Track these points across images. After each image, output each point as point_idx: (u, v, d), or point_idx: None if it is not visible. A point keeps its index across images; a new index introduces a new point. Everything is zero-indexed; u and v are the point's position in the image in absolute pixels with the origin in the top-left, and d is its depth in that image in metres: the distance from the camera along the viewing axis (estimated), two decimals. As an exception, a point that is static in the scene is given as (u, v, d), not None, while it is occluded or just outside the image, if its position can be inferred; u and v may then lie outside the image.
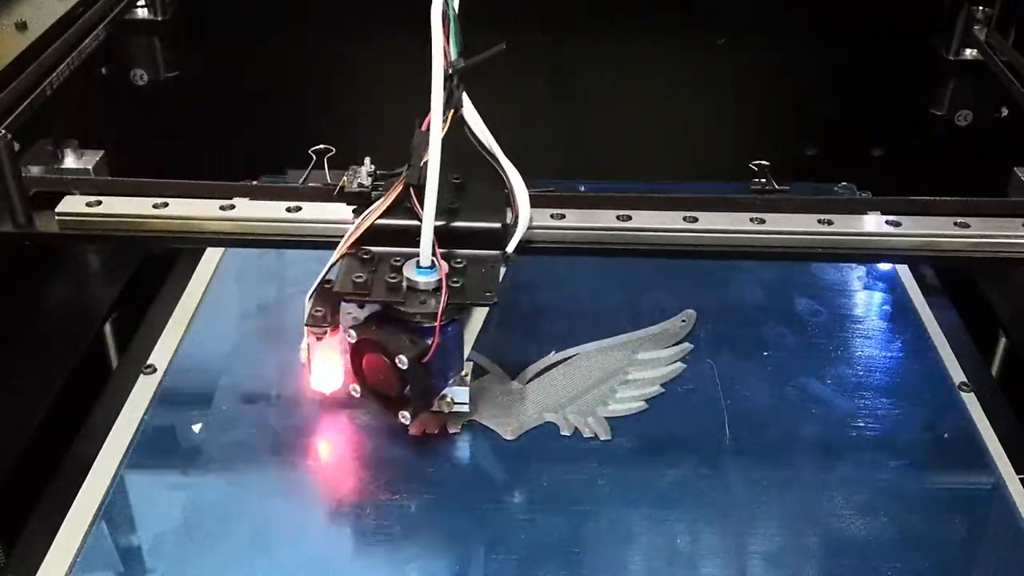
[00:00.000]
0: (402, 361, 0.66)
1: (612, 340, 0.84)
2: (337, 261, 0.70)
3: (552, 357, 0.82)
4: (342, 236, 0.71)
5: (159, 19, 1.16)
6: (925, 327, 0.87)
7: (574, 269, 0.93)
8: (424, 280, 0.67)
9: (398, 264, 0.69)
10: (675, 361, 0.82)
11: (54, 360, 0.85)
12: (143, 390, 0.78)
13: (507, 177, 0.70)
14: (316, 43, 1.17)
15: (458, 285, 0.68)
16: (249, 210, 0.76)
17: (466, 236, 0.70)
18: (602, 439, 0.75)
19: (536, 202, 0.72)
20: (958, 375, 0.82)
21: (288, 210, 0.75)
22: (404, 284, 0.68)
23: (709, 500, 0.71)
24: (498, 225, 0.71)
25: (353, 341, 0.69)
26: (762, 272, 0.92)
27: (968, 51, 1.17)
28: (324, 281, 0.70)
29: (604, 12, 1.19)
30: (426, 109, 0.66)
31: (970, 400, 0.79)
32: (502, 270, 0.71)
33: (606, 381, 0.80)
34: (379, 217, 0.70)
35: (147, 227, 0.77)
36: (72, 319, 0.90)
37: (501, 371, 0.81)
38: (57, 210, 0.78)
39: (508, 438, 0.75)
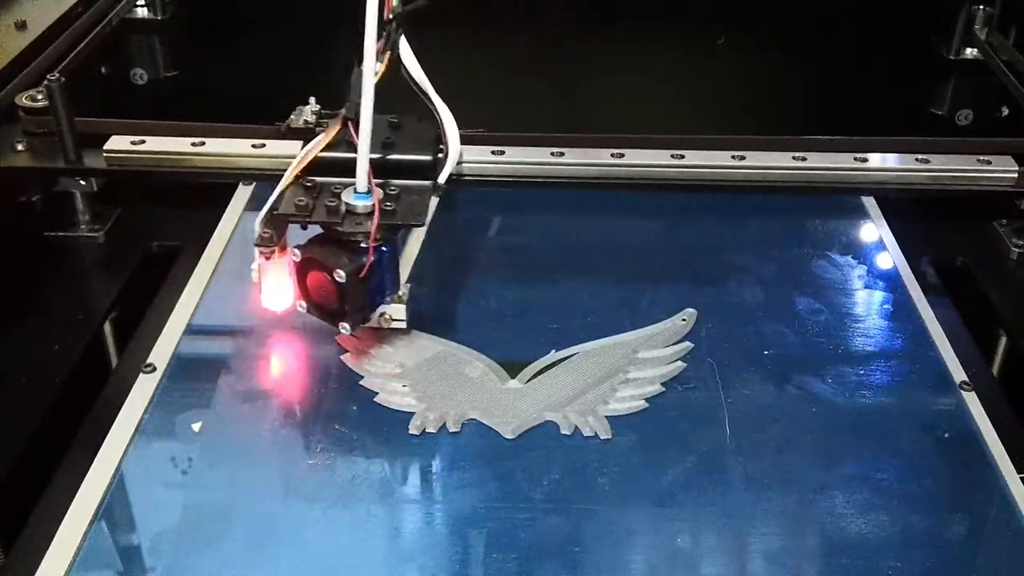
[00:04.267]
0: (340, 275, 0.73)
1: (612, 339, 0.84)
2: (285, 189, 0.77)
3: (552, 356, 0.82)
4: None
5: (159, 19, 1.16)
6: (925, 326, 0.87)
7: (575, 269, 0.93)
8: (361, 204, 0.74)
9: (338, 191, 0.75)
10: (675, 360, 0.82)
11: (54, 360, 0.85)
12: (143, 389, 0.78)
13: (438, 114, 0.79)
14: (316, 43, 1.17)
15: (391, 209, 0.75)
16: (278, 148, 0.88)
17: (400, 168, 0.79)
18: (602, 438, 0.75)
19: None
20: (959, 374, 0.82)
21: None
22: (343, 208, 0.75)
23: (709, 499, 0.71)
24: (428, 157, 0.79)
25: (297, 260, 0.76)
26: (763, 270, 0.92)
27: (969, 50, 1.17)
28: (272, 207, 0.77)
29: (604, 12, 1.19)
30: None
31: (971, 399, 0.79)
32: (433, 199, 0.79)
33: (606, 380, 0.80)
34: (322, 150, 0.77)
35: (186, 163, 0.89)
36: (72, 319, 0.90)
37: (501, 370, 0.81)
38: (105, 147, 0.88)
39: (508, 437, 0.75)
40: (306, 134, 0.80)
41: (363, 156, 0.74)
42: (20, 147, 0.93)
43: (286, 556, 0.66)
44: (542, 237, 0.99)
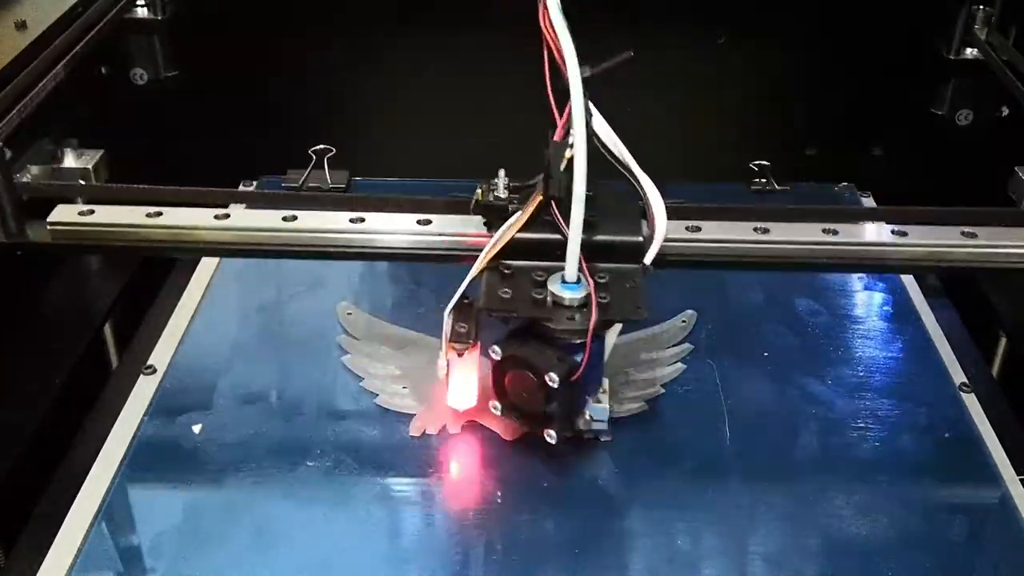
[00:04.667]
0: (552, 379, 0.65)
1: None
2: (478, 275, 0.69)
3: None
4: (336, 245, 0.71)
5: (159, 18, 1.16)
6: (926, 328, 0.87)
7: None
8: (571, 296, 0.66)
9: (540, 279, 0.68)
10: (675, 362, 0.82)
11: (54, 360, 0.85)
12: (143, 390, 0.78)
13: (642, 189, 0.69)
14: (316, 42, 1.17)
15: (606, 301, 0.67)
16: (244, 219, 0.75)
17: (605, 249, 0.69)
18: (602, 439, 0.75)
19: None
20: (959, 376, 0.82)
21: (284, 219, 0.74)
22: (549, 300, 0.66)
23: (709, 500, 0.71)
24: (639, 238, 0.69)
25: (498, 358, 0.68)
26: (762, 273, 0.92)
27: (969, 50, 1.17)
28: (463, 296, 0.70)
29: (603, 12, 1.19)
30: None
31: (971, 401, 0.79)
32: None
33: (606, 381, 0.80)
34: (519, 231, 0.68)
35: (140, 236, 0.76)
36: (72, 319, 0.90)
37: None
38: (49, 219, 0.77)
39: (508, 438, 0.75)
40: (499, 212, 0.70)
41: (574, 241, 0.65)
42: None
43: (286, 557, 0.66)
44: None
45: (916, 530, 0.69)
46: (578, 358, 0.65)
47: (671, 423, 0.77)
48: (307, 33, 1.18)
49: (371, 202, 0.77)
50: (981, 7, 1.14)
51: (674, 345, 0.84)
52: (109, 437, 0.74)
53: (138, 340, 0.87)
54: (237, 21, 1.17)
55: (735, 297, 0.90)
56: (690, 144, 1.19)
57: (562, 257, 0.66)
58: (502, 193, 0.70)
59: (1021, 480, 0.73)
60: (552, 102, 0.66)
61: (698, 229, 0.73)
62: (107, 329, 0.91)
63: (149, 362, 0.81)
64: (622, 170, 0.68)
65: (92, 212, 0.77)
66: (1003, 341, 0.92)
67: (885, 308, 0.89)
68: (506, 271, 0.68)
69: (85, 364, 0.86)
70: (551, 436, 0.68)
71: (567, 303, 0.66)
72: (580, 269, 0.66)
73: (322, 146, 1.04)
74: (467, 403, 0.74)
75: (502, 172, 0.71)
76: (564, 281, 0.67)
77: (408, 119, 1.17)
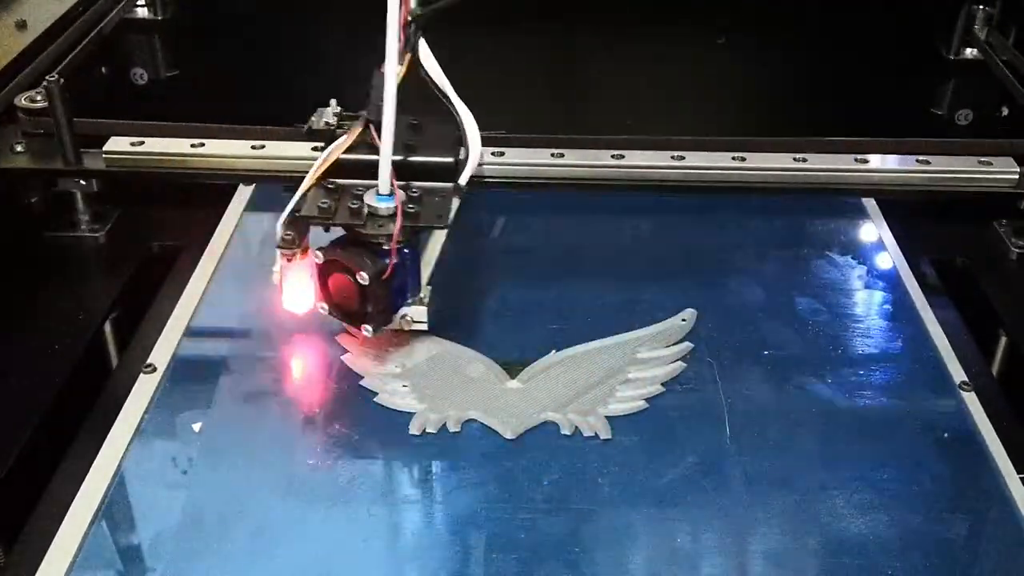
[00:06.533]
0: (363, 277, 0.73)
1: (612, 339, 0.84)
2: (306, 192, 0.76)
3: (552, 356, 0.82)
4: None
5: (159, 18, 1.16)
6: (925, 326, 0.87)
7: (575, 269, 0.93)
8: (383, 206, 0.74)
9: (360, 193, 0.76)
10: (676, 360, 0.82)
11: (54, 360, 0.85)
12: (143, 390, 0.78)
13: (459, 116, 0.78)
14: (317, 42, 1.17)
15: (414, 211, 0.75)
16: (277, 149, 0.89)
17: (422, 170, 0.78)
18: (602, 438, 0.75)
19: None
20: (958, 374, 0.82)
21: (313, 149, 0.87)
22: (365, 210, 0.74)
23: (709, 500, 0.71)
24: (451, 159, 0.79)
25: (320, 262, 0.75)
26: (763, 271, 0.92)
27: (968, 50, 1.17)
28: (294, 209, 0.76)
29: (603, 12, 1.19)
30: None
31: (970, 399, 0.79)
32: (455, 200, 0.78)
33: (606, 380, 0.80)
34: (343, 152, 0.77)
35: (185, 164, 0.89)
36: (72, 319, 0.90)
37: (501, 370, 0.81)
38: (104, 149, 0.89)
39: (508, 437, 0.75)
40: (327, 136, 0.79)
41: (385, 158, 0.73)
42: (19, 148, 0.93)
43: (286, 556, 0.66)
44: (543, 237, 0.99)
45: (915, 528, 0.69)
46: (387, 261, 0.73)
47: (671, 422, 0.77)
48: (307, 34, 1.18)
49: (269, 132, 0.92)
50: (981, 7, 1.15)
51: (674, 343, 0.84)
52: (109, 436, 0.74)
53: (138, 339, 0.87)
54: (237, 21, 1.17)
55: (735, 295, 0.90)
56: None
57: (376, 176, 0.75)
58: (331, 120, 0.81)
59: (1021, 478, 0.73)
60: (391, 39, 0.72)
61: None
62: (107, 328, 0.91)
63: (149, 361, 0.81)
64: (441, 98, 0.77)
65: (142, 143, 0.90)
66: (1003, 339, 0.92)
67: (885, 306, 0.89)
68: (330, 187, 0.77)
69: (85, 363, 0.86)
70: (367, 331, 0.76)
71: (380, 213, 0.74)
72: (391, 184, 0.74)
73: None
74: (303, 307, 0.80)
75: (333, 101, 0.81)
76: (378, 194, 0.74)
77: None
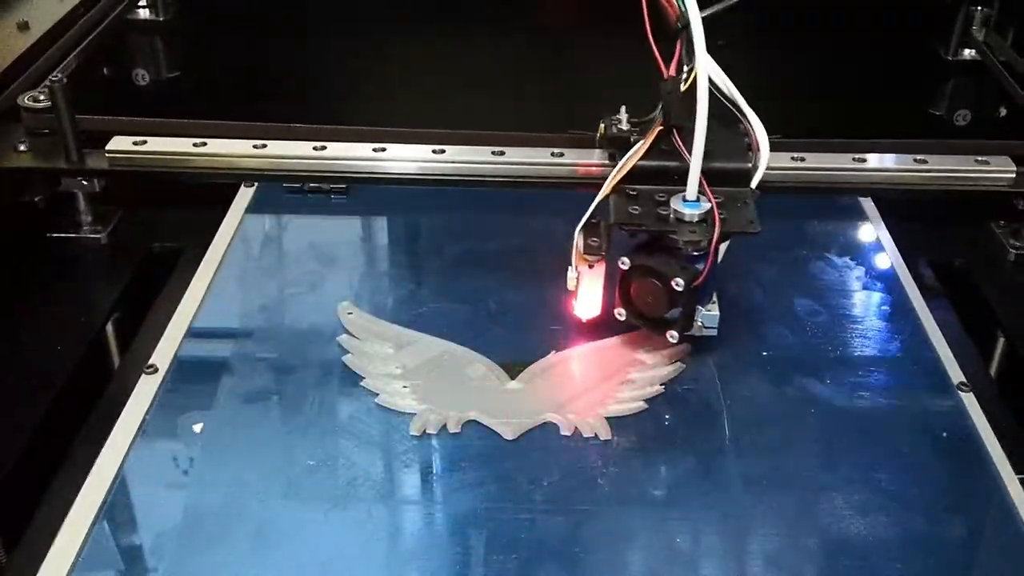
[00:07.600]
0: (678, 284, 0.74)
1: (612, 340, 0.84)
2: (605, 198, 0.78)
3: (552, 357, 0.82)
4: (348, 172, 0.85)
5: (160, 19, 1.17)
6: (923, 327, 0.87)
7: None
8: (692, 212, 0.75)
9: (662, 199, 0.77)
10: (675, 361, 0.82)
11: (56, 361, 0.85)
12: (144, 390, 0.78)
13: (748, 121, 0.78)
14: (317, 43, 1.17)
15: (723, 217, 0.75)
16: (279, 148, 0.89)
17: (719, 175, 0.78)
18: (602, 439, 0.75)
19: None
20: (957, 375, 0.82)
21: (314, 148, 0.89)
22: (672, 216, 0.76)
23: (709, 500, 0.71)
24: (749, 165, 0.79)
25: (626, 268, 0.76)
26: (762, 272, 0.93)
27: (967, 51, 1.17)
28: (592, 216, 0.78)
29: (603, 12, 1.19)
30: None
31: (969, 400, 0.79)
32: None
33: (606, 381, 0.80)
34: (641, 158, 0.78)
35: (188, 164, 0.89)
36: (74, 320, 0.90)
37: (501, 371, 0.81)
38: (107, 148, 0.89)
39: (508, 438, 0.75)
40: (622, 143, 0.81)
41: (696, 163, 0.74)
42: (22, 147, 0.93)
43: (287, 557, 0.66)
44: (543, 238, 0.99)
45: (914, 530, 0.69)
46: (699, 266, 0.74)
47: (671, 423, 0.77)
48: (308, 35, 1.18)
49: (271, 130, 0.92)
50: (979, 8, 1.15)
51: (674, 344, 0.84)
52: (110, 436, 0.74)
53: (140, 340, 0.87)
54: (238, 22, 1.18)
55: (734, 296, 0.90)
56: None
57: (679, 181, 0.76)
58: (624, 126, 0.82)
59: (1020, 479, 0.73)
60: (653, 47, 0.76)
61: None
62: (109, 329, 0.91)
63: (151, 361, 0.81)
64: (728, 104, 0.78)
65: (145, 142, 0.90)
66: (1001, 340, 0.93)
67: (883, 307, 0.89)
68: (631, 193, 0.78)
69: (86, 364, 0.86)
70: (673, 336, 0.77)
71: (688, 219, 0.75)
72: (700, 189, 0.75)
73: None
74: (593, 312, 0.82)
75: (623, 108, 0.82)
76: (685, 200, 0.75)
77: (410, 120, 1.17)
